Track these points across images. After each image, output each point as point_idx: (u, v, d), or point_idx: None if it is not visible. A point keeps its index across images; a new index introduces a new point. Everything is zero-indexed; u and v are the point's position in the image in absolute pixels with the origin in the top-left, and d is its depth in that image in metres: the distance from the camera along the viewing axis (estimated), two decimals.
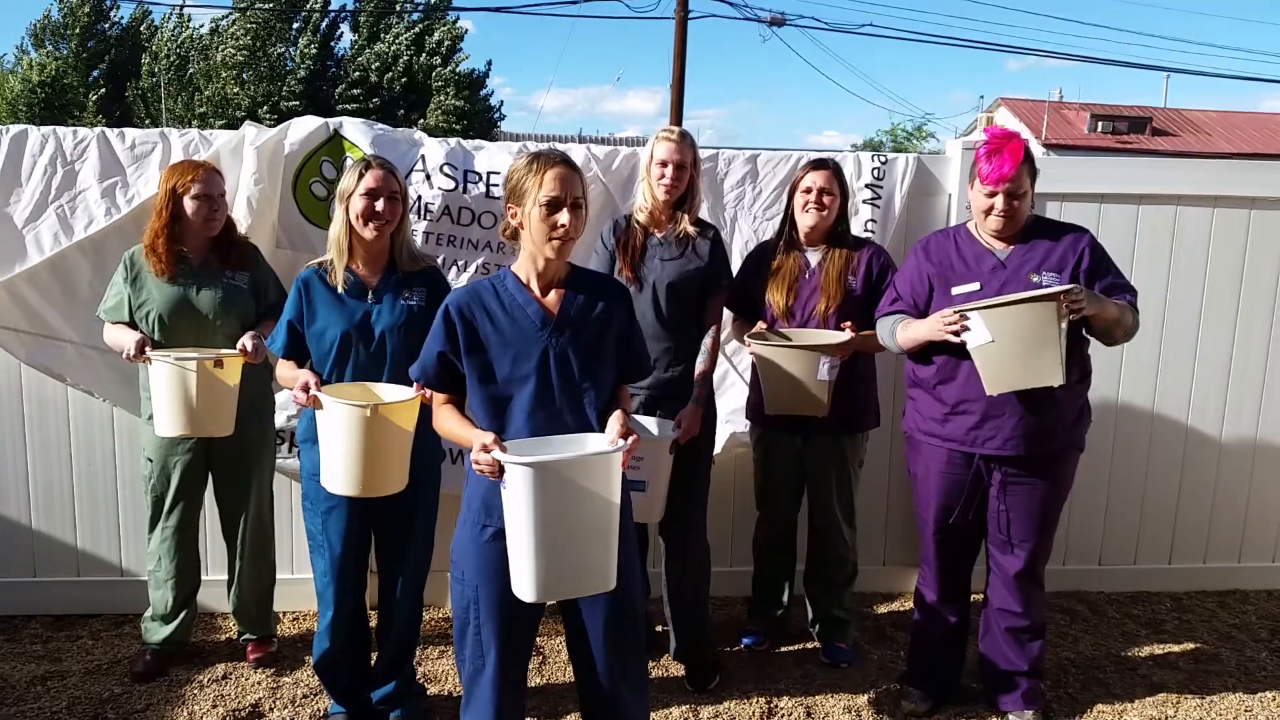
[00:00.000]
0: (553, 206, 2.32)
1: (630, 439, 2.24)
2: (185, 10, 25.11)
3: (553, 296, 2.43)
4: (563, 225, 2.32)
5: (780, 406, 3.38)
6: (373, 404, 2.64)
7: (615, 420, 2.29)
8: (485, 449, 2.17)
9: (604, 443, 2.26)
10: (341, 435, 2.68)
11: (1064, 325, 2.78)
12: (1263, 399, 4.27)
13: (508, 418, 2.37)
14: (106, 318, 3.32)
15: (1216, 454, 4.30)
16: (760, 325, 3.46)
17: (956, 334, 2.87)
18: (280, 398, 3.62)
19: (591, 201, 3.76)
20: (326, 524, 2.99)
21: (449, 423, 2.42)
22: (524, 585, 2.19)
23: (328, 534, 3.00)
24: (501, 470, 2.14)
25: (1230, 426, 4.29)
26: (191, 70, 24.02)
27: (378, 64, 25.09)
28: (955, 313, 2.86)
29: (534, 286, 2.43)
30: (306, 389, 2.76)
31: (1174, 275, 4.14)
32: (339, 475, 2.74)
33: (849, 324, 3.34)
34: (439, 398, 2.47)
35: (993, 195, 2.97)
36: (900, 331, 3.14)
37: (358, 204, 2.90)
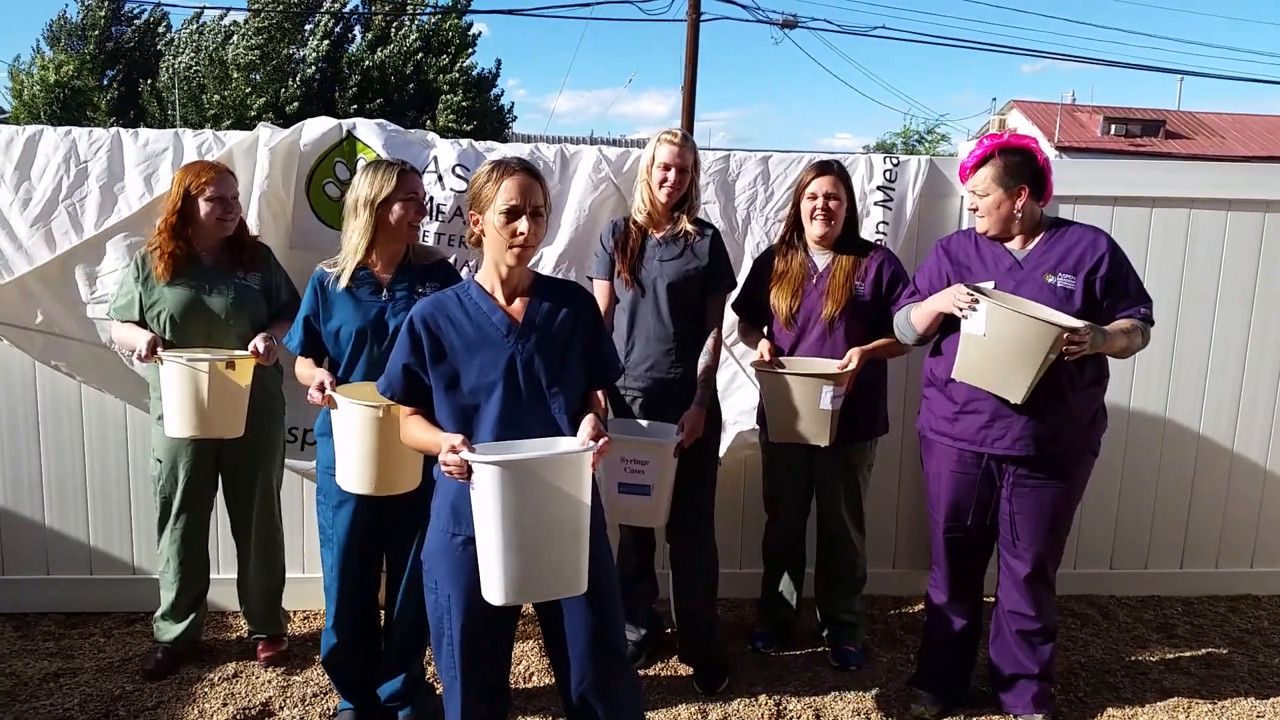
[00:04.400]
0: (512, 214, 2.33)
1: (601, 441, 2.23)
2: (202, 12, 25.21)
3: (517, 304, 2.43)
4: (521, 233, 2.33)
5: (783, 435, 3.39)
6: (385, 404, 2.64)
7: (587, 423, 2.29)
8: (454, 449, 2.17)
9: (575, 445, 2.26)
10: (355, 435, 2.71)
11: (1051, 357, 2.78)
12: (1276, 402, 4.24)
13: (476, 427, 2.36)
14: (116, 316, 3.33)
15: (1229, 457, 4.28)
16: (765, 346, 3.45)
17: (963, 312, 2.89)
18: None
19: (603, 203, 3.82)
20: (337, 518, 3.01)
21: (417, 432, 2.40)
22: (493, 588, 2.19)
23: (337, 528, 3.01)
24: (470, 471, 2.14)
25: (1243, 430, 4.26)
26: (201, 74, 24.06)
27: (386, 66, 25.11)
28: (970, 294, 2.88)
29: (498, 295, 2.42)
30: (322, 388, 2.80)
31: (1187, 278, 4.12)
32: (352, 474, 2.76)
33: (854, 352, 3.34)
34: (404, 410, 2.45)
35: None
36: (915, 310, 3.16)
37: (400, 210, 2.91)
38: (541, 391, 2.39)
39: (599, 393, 2.59)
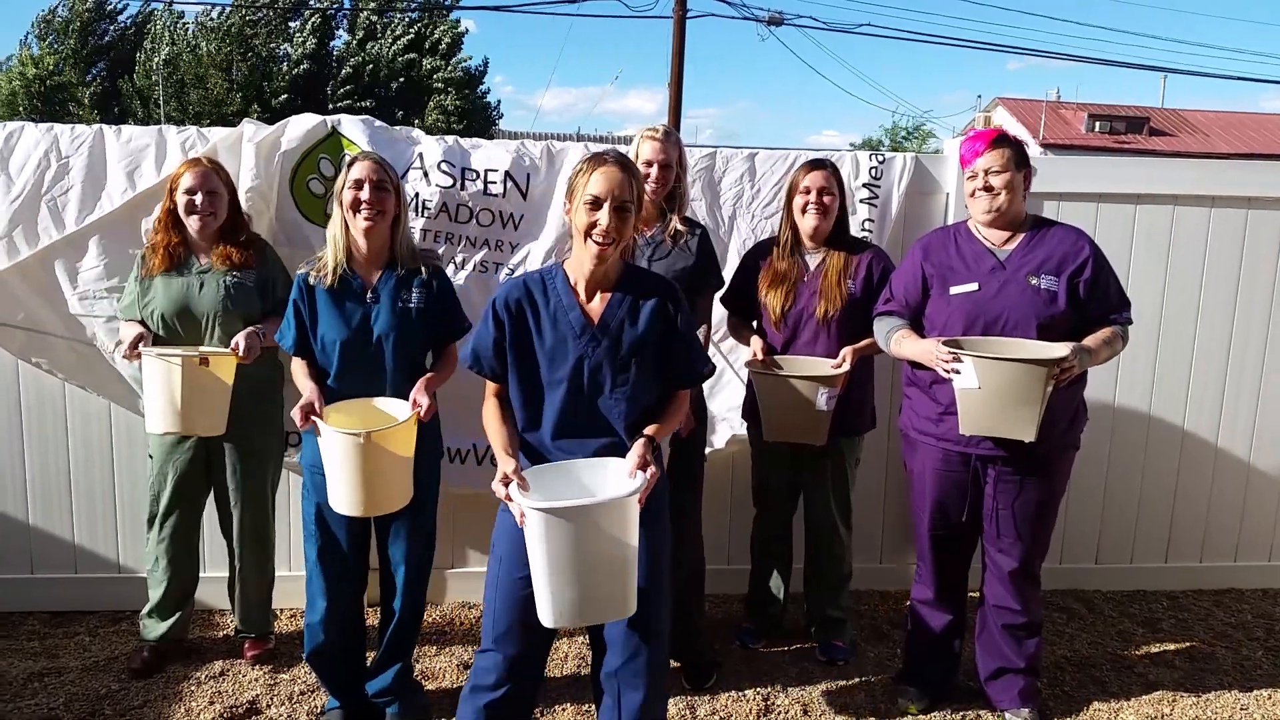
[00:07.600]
0: (594, 205, 2.31)
1: (649, 472, 2.22)
2: (175, 6, 24.99)
3: (597, 302, 2.41)
4: (600, 225, 2.30)
5: (778, 435, 3.40)
6: (367, 431, 2.65)
7: (635, 450, 2.27)
8: (505, 481, 2.20)
9: (623, 472, 2.27)
10: (340, 460, 2.70)
11: (1049, 388, 2.78)
12: (1259, 397, 4.28)
13: (541, 415, 2.40)
14: (122, 315, 3.35)
15: (1213, 453, 4.31)
16: (758, 344, 3.44)
17: (948, 373, 2.88)
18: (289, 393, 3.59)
19: None
20: (323, 513, 2.99)
21: (491, 421, 2.45)
22: (544, 612, 2.23)
23: (321, 523, 3.00)
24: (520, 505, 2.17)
25: (1227, 425, 4.29)
26: (182, 72, 23.83)
27: (373, 64, 24.97)
28: (950, 352, 2.86)
29: (580, 289, 2.41)
30: (307, 414, 2.76)
31: (1171, 274, 4.14)
32: (341, 497, 2.76)
33: (847, 351, 3.35)
34: (490, 387, 2.50)
35: (972, 178, 3.07)
36: (895, 345, 3.16)
37: (347, 196, 2.91)
38: (605, 395, 2.39)
39: (681, 393, 2.53)
